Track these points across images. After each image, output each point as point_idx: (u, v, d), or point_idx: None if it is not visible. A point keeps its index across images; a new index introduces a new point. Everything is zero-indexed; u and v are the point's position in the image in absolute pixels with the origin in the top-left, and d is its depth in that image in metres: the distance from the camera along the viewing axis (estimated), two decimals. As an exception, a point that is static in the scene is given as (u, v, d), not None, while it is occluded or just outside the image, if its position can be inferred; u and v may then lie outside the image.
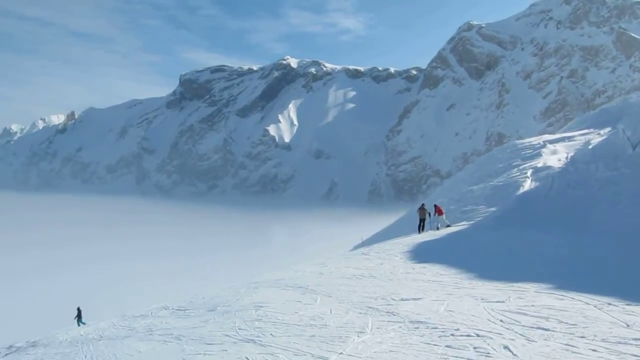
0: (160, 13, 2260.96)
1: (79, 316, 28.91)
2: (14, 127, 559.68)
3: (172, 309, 14.59)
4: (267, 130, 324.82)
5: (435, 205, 27.76)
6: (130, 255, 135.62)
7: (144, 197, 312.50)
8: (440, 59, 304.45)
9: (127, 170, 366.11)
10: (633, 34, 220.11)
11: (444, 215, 27.20)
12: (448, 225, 26.70)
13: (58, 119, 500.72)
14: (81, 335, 14.74)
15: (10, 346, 18.69)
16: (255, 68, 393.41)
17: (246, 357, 8.20)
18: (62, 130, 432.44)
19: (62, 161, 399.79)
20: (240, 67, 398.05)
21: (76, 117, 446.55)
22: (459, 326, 8.00)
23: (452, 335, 7.63)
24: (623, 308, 8.34)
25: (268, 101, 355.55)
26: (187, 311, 13.62)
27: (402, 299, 10.27)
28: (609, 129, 37.80)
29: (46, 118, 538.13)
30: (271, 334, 9.17)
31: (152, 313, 14.93)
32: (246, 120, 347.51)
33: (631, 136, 26.23)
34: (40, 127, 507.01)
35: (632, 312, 8.11)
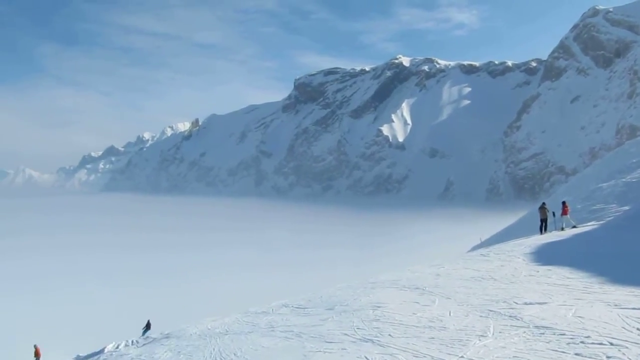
0: (275, 20, 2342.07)
1: (147, 327, 28.34)
2: (146, 135, 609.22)
3: (292, 307, 15.07)
4: (380, 131, 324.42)
5: (563, 203, 26.21)
6: (252, 251, 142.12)
7: (262, 198, 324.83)
8: (562, 49, 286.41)
9: (246, 172, 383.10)
10: None
11: (568, 215, 25.63)
12: (574, 226, 25.12)
13: (184, 126, 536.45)
14: (209, 329, 15.67)
15: (147, 337, 20.32)
16: (367, 69, 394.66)
17: (365, 357, 8.31)
18: (187, 136, 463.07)
19: (188, 165, 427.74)
20: (353, 69, 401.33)
21: (200, 123, 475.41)
22: (590, 333, 7.53)
23: (582, 342, 7.20)
24: None
25: (381, 101, 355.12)
26: (306, 309, 14.01)
27: (526, 303, 9.84)
28: None
29: (174, 126, 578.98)
30: (389, 335, 9.20)
31: (273, 310, 15.53)
32: (359, 121, 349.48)
33: None
34: (169, 134, 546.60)
35: None
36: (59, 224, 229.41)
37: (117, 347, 20.82)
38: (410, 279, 15.31)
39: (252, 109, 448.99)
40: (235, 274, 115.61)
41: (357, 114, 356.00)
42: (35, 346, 28.32)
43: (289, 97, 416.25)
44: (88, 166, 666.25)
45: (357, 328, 10.12)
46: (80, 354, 23.13)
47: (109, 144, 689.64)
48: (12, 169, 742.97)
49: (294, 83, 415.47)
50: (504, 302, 10.20)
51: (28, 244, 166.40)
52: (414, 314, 10.37)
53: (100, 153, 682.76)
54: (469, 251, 30.98)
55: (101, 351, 21.17)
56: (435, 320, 9.57)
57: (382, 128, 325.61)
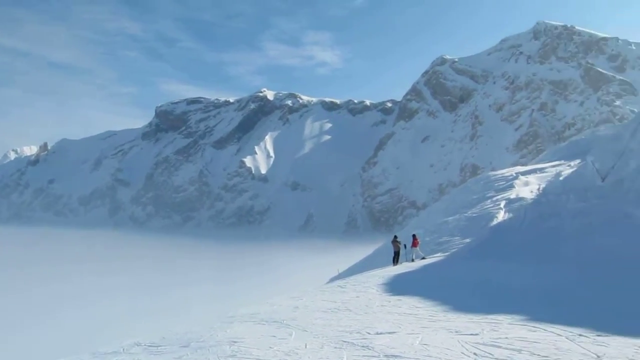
0: (138, 45, 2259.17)
1: None
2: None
3: (145, 345, 14.26)
4: (243, 162, 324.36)
5: (413, 236, 27.92)
6: (103, 291, 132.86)
7: (118, 229, 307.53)
8: (414, 92, 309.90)
9: (100, 202, 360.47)
10: (599, 69, 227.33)
11: (418, 247, 27.35)
12: (423, 257, 26.83)
13: (30, 150, 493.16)
14: (49, 374, 14.31)
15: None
16: (231, 100, 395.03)
17: (219, 395, 8.06)
18: (34, 161, 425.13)
19: (33, 193, 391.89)
20: (217, 99, 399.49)
21: (49, 148, 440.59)
22: (433, 359, 8.01)
23: (426, 369, 7.63)
24: (594, 339, 8.45)
25: (244, 133, 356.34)
26: (159, 347, 13.33)
27: (378, 333, 10.24)
28: (578, 160, 38.71)
29: (18, 149, 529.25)
30: (245, 370, 9.04)
31: (123, 350, 14.57)
32: (222, 152, 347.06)
33: (600, 168, 26.84)
34: (12, 158, 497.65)
35: (603, 343, 8.22)
36: None
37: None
38: (269, 312, 15.26)
39: (109, 134, 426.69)
40: (84, 311, 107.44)
41: (220, 144, 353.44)
42: None
43: (150, 124, 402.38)
44: None
45: (212, 365, 9.82)
46: None
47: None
48: None
49: (156, 110, 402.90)
50: (358, 332, 10.51)
51: None
52: (270, 347, 10.30)
53: None
54: (327, 282, 31.67)
55: None
56: (291, 353, 9.57)
57: (245, 160, 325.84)
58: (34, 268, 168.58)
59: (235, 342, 11.36)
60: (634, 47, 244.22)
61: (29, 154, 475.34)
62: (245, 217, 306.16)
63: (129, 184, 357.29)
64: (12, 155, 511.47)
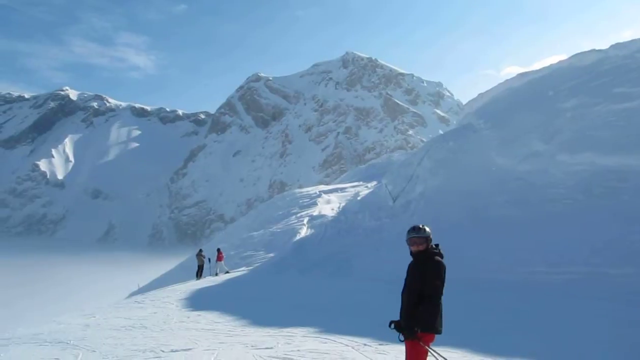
0: None
1: None
2: None
3: None
4: (37, 165, 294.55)
5: (218, 249, 27.80)
6: None
7: None
8: (228, 106, 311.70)
9: None
10: (397, 100, 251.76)
11: (223, 261, 27.33)
12: (227, 272, 26.85)
13: None
14: None
15: None
16: (27, 96, 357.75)
17: None
18: None
19: None
20: (9, 93, 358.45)
21: None
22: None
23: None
24: (376, 348, 9.18)
25: (40, 133, 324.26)
26: None
27: (172, 350, 9.93)
28: (375, 182, 42.18)
29: None
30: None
31: None
32: (12, 153, 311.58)
33: (392, 190, 29.51)
34: None
35: (384, 351, 8.96)
36: None
37: None
38: (54, 331, 13.95)
39: None
40: None
41: (9, 144, 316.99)
42: None
43: None
44: None
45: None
46: None
47: None
48: None
49: None
50: (151, 351, 10.08)
51: None
52: (51, 372, 9.42)
53: None
54: (126, 298, 30.05)
55: None
56: (74, 377, 8.86)
57: (39, 163, 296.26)
58: None
59: (7, 366, 10.20)
60: (425, 84, 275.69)
61: None
62: (35, 225, 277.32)
63: None
64: None
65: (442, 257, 5.77)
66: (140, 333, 12.45)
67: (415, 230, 5.76)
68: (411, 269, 5.82)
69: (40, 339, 13.02)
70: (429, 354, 5.61)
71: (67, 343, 11.93)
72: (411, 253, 5.86)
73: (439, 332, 5.67)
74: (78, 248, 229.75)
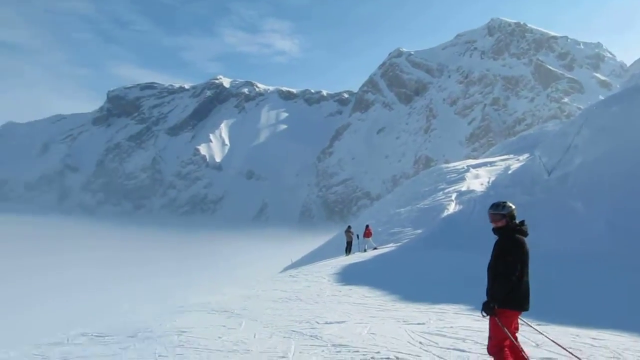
0: (91, 27, 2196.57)
1: None
2: None
3: (91, 335, 13.93)
4: (197, 150, 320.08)
5: (367, 226, 28.18)
6: (49, 275, 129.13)
7: (66, 216, 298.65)
8: (371, 84, 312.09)
9: (48, 188, 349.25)
10: (549, 66, 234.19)
11: (371, 238, 27.63)
12: (375, 248, 27.13)
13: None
14: (-10, 365, 13.82)
15: None
16: (186, 86, 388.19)
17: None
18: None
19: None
20: (171, 85, 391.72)
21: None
22: (380, 349, 8.11)
23: (372, 358, 7.72)
24: (534, 328, 8.74)
25: (199, 120, 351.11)
26: (106, 337, 13.06)
27: (327, 322, 10.30)
28: (527, 155, 39.83)
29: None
30: (197, 361, 8.94)
31: (68, 340, 14.19)
32: (176, 139, 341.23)
33: (546, 162, 27.66)
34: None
35: (543, 331, 8.50)
36: None
37: None
38: (220, 302, 15.15)
39: (58, 119, 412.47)
40: (26, 302, 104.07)
41: (174, 131, 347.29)
42: None
43: (101, 109, 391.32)
44: None
45: (159, 355, 9.66)
46: None
47: None
48: None
49: (108, 95, 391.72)
50: (307, 322, 10.55)
51: None
52: (219, 337, 10.22)
53: None
54: (280, 272, 31.68)
55: None
56: (239, 343, 9.53)
57: (199, 147, 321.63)
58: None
59: (183, 332, 11.24)
60: (582, 47, 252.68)
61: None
62: (198, 205, 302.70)
63: (78, 170, 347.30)
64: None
65: (524, 234, 5.74)
66: (295, 305, 13.09)
67: (494, 207, 5.83)
68: (494, 245, 5.84)
69: (208, 308, 14.21)
70: (519, 330, 5.88)
71: (232, 312, 12.89)
72: (492, 229, 5.89)
73: (521, 309, 5.78)
74: (235, 226, 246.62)
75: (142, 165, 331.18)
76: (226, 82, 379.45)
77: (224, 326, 11.33)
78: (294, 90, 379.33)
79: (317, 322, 10.41)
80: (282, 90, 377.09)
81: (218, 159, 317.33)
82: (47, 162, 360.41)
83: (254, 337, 9.90)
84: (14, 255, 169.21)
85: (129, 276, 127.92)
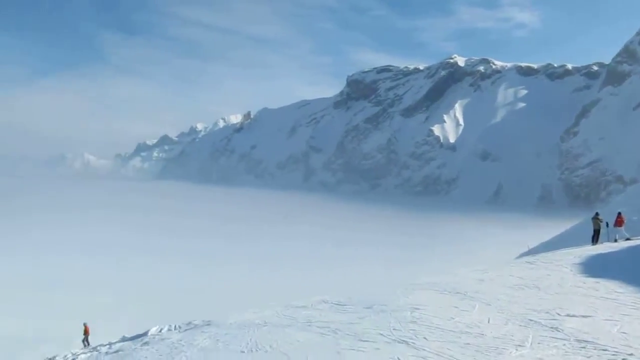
0: (333, 16, 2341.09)
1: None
2: (199, 126, 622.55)
3: (331, 303, 15.10)
4: (431, 131, 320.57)
5: (619, 214, 25.25)
6: (298, 245, 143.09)
7: (310, 193, 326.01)
8: (627, 53, 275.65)
9: (295, 167, 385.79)
10: None
11: (623, 227, 24.67)
12: (628, 239, 24.18)
13: (236, 118, 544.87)
14: (248, 320, 15.88)
15: (189, 322, 20.76)
16: (421, 67, 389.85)
17: (398, 358, 8.24)
18: (239, 129, 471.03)
19: (238, 157, 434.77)
20: (406, 67, 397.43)
21: (252, 116, 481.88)
22: (634, 351, 7.25)
23: (623, 359, 6.96)
24: None
25: (433, 101, 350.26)
26: (344, 307, 14.01)
27: (569, 315, 9.56)
28: None
29: (226, 118, 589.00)
30: (425, 338, 9.10)
31: (312, 305, 15.60)
32: (411, 120, 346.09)
33: None
34: (221, 126, 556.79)
35: None
36: (116, 204, 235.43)
37: (160, 331, 21.35)
38: (452, 282, 15.09)
39: (304, 104, 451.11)
40: (279, 267, 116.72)
41: (408, 112, 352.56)
42: (84, 324, 29.34)
43: (341, 93, 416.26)
44: (143, 154, 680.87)
45: (393, 329, 10.05)
46: (126, 335, 23.83)
47: (163, 133, 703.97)
48: (71, 152, 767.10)
49: (347, 79, 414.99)
50: (546, 312, 9.93)
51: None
52: (452, 318, 10.22)
53: (154, 141, 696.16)
54: (516, 258, 30.30)
55: (145, 334, 21.73)
56: (473, 326, 9.41)
57: (433, 128, 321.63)
58: (240, 225, 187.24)
59: (416, 309, 11.50)
60: None
61: (235, 122, 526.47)
62: (432, 186, 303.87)
63: (320, 151, 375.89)
64: (221, 124, 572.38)
65: None
66: (533, 293, 12.40)
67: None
68: None
69: (440, 288, 14.29)
70: None
71: (464, 294, 12.76)
72: None
73: None
74: (468, 208, 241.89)
75: (378, 146, 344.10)
76: (461, 61, 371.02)
77: (456, 307, 11.30)
78: (534, 66, 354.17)
79: (558, 314, 9.74)
80: (520, 66, 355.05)
81: (452, 140, 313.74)
82: (294, 143, 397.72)
83: (488, 321, 9.69)
84: (261, 222, 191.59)
85: (363, 255, 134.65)
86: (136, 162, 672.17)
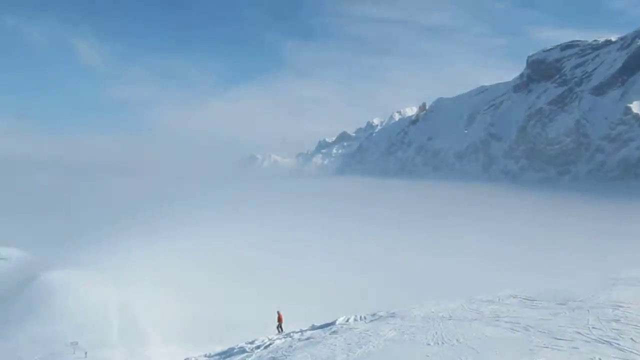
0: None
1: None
2: (375, 121, 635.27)
3: (520, 298, 14.39)
4: (629, 108, 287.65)
5: None
6: (482, 238, 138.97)
7: (491, 182, 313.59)
8: None
9: (474, 156, 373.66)
10: None
11: None
12: None
13: (411, 110, 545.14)
14: (432, 312, 15.76)
15: (374, 314, 21.24)
16: (613, 39, 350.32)
17: (600, 359, 7.51)
18: (414, 121, 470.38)
19: (415, 150, 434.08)
20: (595, 40, 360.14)
21: (427, 108, 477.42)
22: None
23: None
24: None
25: (630, 75, 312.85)
26: (535, 302, 13.24)
27: None
28: None
29: (401, 110, 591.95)
30: (631, 339, 8.18)
31: (499, 300, 15.03)
32: (603, 99, 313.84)
33: None
34: (397, 119, 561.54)
35: None
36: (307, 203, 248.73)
37: (347, 321, 22.24)
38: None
39: (481, 90, 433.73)
40: (463, 260, 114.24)
41: (599, 90, 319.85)
42: (278, 312, 31.63)
43: (521, 76, 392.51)
44: (323, 151, 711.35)
45: (592, 327, 9.21)
46: (315, 324, 25.13)
47: (341, 130, 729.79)
48: (260, 154, 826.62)
49: (527, 61, 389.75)
50: None
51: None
52: (664, 318, 9.07)
53: (333, 139, 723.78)
54: None
55: (333, 323, 22.75)
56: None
57: (630, 105, 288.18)
58: (424, 217, 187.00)
59: (619, 306, 10.44)
60: None
61: (410, 114, 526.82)
62: (631, 170, 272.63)
63: (501, 138, 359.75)
64: (397, 117, 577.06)
65: None
66: None
67: None
68: None
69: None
70: None
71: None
72: None
73: None
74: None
75: (565, 129, 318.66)
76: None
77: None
78: None
79: None
80: None
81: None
82: (472, 132, 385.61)
83: None
84: (445, 215, 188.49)
85: (553, 237, 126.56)
86: (317, 159, 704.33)
